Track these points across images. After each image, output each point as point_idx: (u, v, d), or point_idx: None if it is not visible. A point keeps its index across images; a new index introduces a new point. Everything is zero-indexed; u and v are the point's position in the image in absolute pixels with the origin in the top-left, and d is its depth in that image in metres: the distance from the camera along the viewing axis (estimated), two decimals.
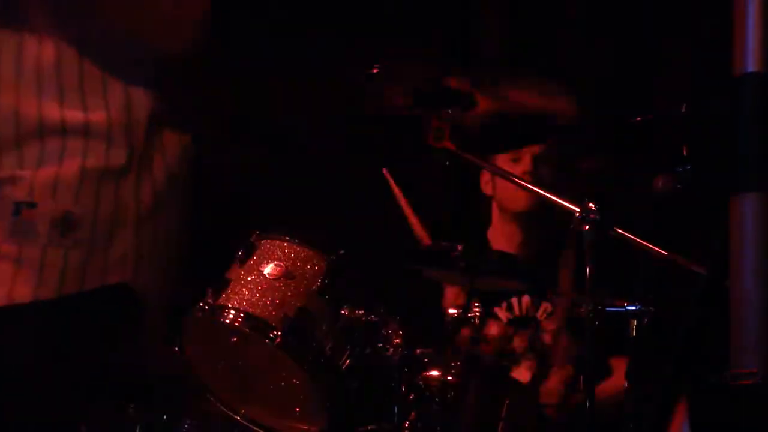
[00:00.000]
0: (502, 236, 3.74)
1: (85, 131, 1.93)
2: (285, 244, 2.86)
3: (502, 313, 3.58)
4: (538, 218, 3.67)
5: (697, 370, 1.78)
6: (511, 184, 3.50)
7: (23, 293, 1.89)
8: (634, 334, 2.76)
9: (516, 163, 3.61)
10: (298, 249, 2.84)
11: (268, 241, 2.87)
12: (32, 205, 1.89)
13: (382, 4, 4.23)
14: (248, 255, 2.85)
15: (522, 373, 3.38)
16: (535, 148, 3.57)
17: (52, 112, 1.93)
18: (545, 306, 3.56)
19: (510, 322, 3.55)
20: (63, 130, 1.92)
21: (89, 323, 1.94)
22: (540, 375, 3.40)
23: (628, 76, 3.96)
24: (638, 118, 3.05)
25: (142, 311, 1.99)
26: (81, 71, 1.96)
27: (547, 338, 3.44)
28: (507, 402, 2.88)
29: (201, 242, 3.05)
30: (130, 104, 1.97)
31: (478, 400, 2.90)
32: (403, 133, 3.16)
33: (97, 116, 1.95)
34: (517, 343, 3.47)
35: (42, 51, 1.97)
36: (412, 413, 2.83)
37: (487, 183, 3.81)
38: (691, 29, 3.73)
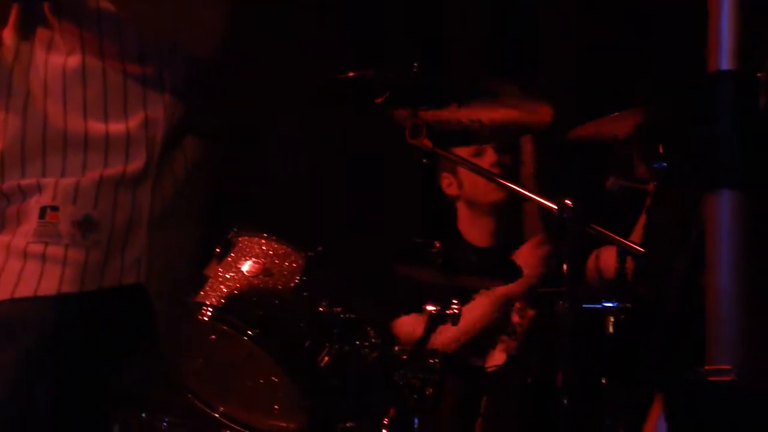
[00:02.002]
0: (472, 231, 3.75)
1: (106, 143, 2.04)
2: (263, 241, 2.86)
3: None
4: (510, 206, 3.68)
5: (673, 366, 1.79)
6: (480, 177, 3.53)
7: (48, 288, 2.00)
8: (611, 330, 2.77)
9: (479, 156, 3.61)
10: (276, 246, 2.85)
11: (246, 238, 2.87)
12: (55, 209, 2.03)
13: (361, 14, 4.23)
14: (226, 252, 2.85)
15: (498, 356, 3.39)
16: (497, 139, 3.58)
17: (77, 123, 2.07)
18: None
19: None
20: (85, 143, 2.05)
21: (108, 319, 2.05)
22: (515, 354, 3.41)
23: (603, 75, 3.97)
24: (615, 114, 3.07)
25: (154, 313, 2.09)
26: (104, 84, 2.07)
27: (515, 318, 3.44)
28: (485, 398, 2.89)
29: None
30: (147, 122, 2.08)
31: (457, 397, 2.91)
32: (382, 130, 3.16)
33: (118, 128, 2.06)
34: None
35: (68, 62, 2.06)
36: (391, 410, 2.84)
37: (450, 185, 3.80)
38: (666, 27, 3.74)
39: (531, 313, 3.41)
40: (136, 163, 2.06)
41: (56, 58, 2.09)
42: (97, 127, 2.06)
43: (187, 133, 2.16)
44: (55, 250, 2.01)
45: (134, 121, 2.07)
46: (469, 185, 3.74)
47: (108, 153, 2.05)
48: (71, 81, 2.07)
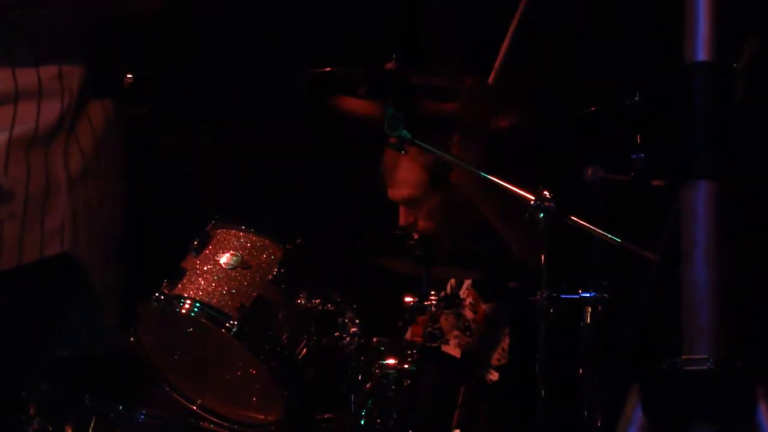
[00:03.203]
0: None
1: (15, 97, 1.89)
2: (241, 233, 2.85)
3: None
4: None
5: (649, 356, 1.80)
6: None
7: None
8: (588, 321, 2.77)
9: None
10: (254, 238, 2.84)
11: (224, 230, 2.87)
12: None
13: (338, 9, 4.23)
14: (204, 244, 2.84)
15: (452, 350, 3.40)
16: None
17: None
18: (467, 283, 3.56)
19: (437, 301, 3.55)
20: None
21: (31, 297, 1.90)
22: (472, 351, 3.41)
23: (581, 68, 3.98)
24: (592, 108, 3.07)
25: (88, 280, 1.94)
26: (10, 40, 1.92)
27: (467, 313, 3.45)
28: (463, 389, 2.90)
29: (156, 232, 3.05)
30: (62, 73, 1.93)
31: (435, 388, 2.91)
32: (360, 123, 3.16)
33: (28, 81, 1.90)
34: (444, 321, 3.48)
35: None
36: (369, 401, 2.84)
37: None
38: (641, 18, 3.75)
39: (484, 308, 3.41)
40: (49, 115, 1.89)
41: None
42: (4, 76, 1.91)
43: (107, 82, 2.00)
44: None
45: (46, 71, 1.92)
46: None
47: (17, 107, 1.87)
48: None
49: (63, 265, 1.90)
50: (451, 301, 3.45)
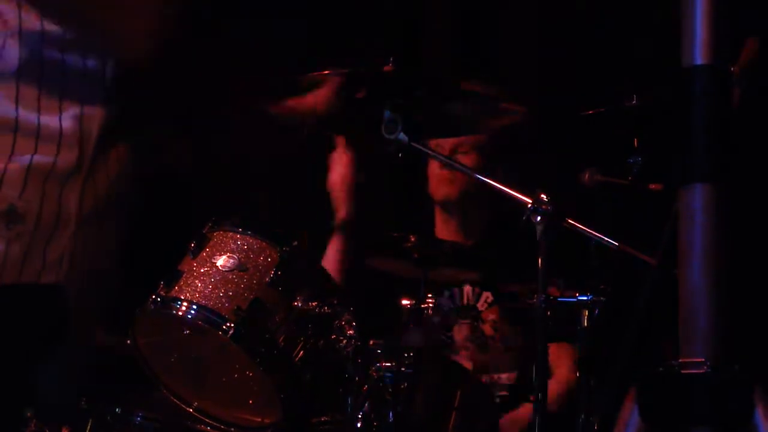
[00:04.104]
0: (441, 228, 3.75)
1: (37, 133, 1.97)
2: (238, 235, 2.85)
3: (443, 302, 3.59)
4: (464, 206, 3.68)
5: (646, 359, 1.80)
6: (437, 171, 3.54)
7: None
8: (585, 324, 2.77)
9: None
10: (251, 240, 2.84)
11: (221, 232, 2.86)
12: None
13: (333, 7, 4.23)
14: (201, 247, 2.84)
15: (463, 362, 3.40)
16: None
17: (7, 111, 1.96)
18: (486, 296, 3.57)
19: (451, 311, 3.56)
20: (16, 127, 1.96)
21: (22, 315, 1.97)
22: (479, 365, 3.42)
23: (578, 70, 3.98)
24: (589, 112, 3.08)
25: (70, 315, 2.02)
26: (41, 75, 2.00)
27: (487, 329, 3.45)
28: (460, 392, 2.90)
29: (153, 234, 3.04)
30: (83, 116, 2.01)
31: (432, 391, 2.91)
32: (357, 124, 3.16)
33: (51, 120, 1.98)
34: (457, 332, 3.48)
35: (7, 50, 1.99)
36: (366, 404, 2.84)
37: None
38: (640, 21, 3.76)
39: (507, 329, 3.41)
40: (68, 157, 1.99)
41: None
42: (29, 116, 1.99)
43: (126, 131, 2.09)
44: None
45: (69, 115, 2.00)
46: (430, 176, 3.75)
47: (38, 141, 1.97)
48: (8, 68, 1.99)
49: (55, 295, 1.98)
50: (468, 312, 3.46)
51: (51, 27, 2.02)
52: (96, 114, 2.03)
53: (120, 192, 2.10)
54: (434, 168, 3.69)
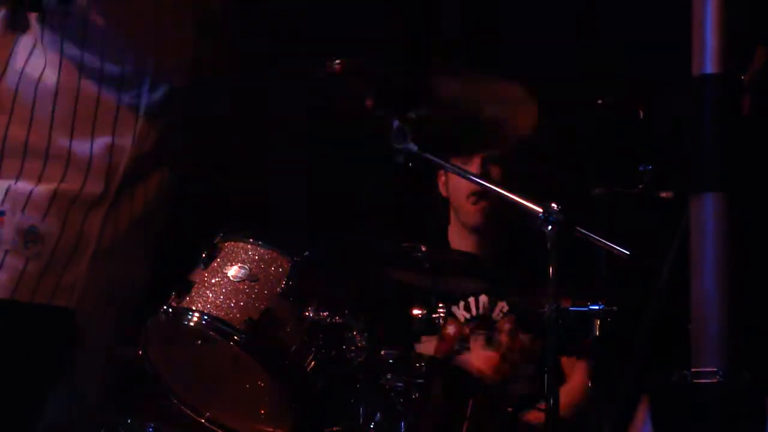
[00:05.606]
0: (459, 237, 3.74)
1: (67, 160, 2.02)
2: (249, 246, 2.85)
3: (459, 312, 3.58)
4: (491, 230, 3.67)
5: (658, 369, 1.80)
6: (462, 196, 3.54)
7: None
8: (597, 333, 2.77)
9: (466, 167, 3.59)
10: (261, 251, 2.84)
11: (232, 243, 2.86)
12: (1, 213, 2.02)
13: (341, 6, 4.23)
14: (212, 257, 2.84)
15: (473, 372, 3.39)
16: (486, 151, 3.57)
17: (41, 137, 2.06)
18: (501, 305, 3.56)
19: (467, 321, 3.56)
20: (46, 154, 2.02)
21: (32, 333, 2.02)
22: (501, 377, 3.41)
23: (590, 78, 3.97)
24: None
25: (78, 342, 2.06)
26: (76, 104, 2.05)
27: (503, 338, 3.44)
28: (471, 402, 2.89)
29: (164, 244, 3.04)
30: (113, 146, 2.05)
31: (443, 401, 2.91)
32: (366, 133, 3.16)
33: (81, 149, 2.03)
34: (473, 342, 3.48)
35: (43, 77, 2.05)
36: (377, 414, 2.84)
37: (443, 185, 3.79)
38: (650, 30, 3.75)
39: (523, 338, 3.41)
40: (94, 187, 2.04)
41: (32, 71, 2.07)
42: (61, 143, 2.04)
43: (154, 166, 2.14)
44: None
45: (99, 145, 2.05)
46: (454, 197, 3.73)
47: (68, 169, 2.03)
48: (42, 97, 2.05)
49: (64, 319, 2.01)
50: (485, 323, 3.46)
51: (90, 58, 2.07)
52: (126, 146, 2.07)
53: (143, 229, 2.14)
54: (460, 196, 3.66)
